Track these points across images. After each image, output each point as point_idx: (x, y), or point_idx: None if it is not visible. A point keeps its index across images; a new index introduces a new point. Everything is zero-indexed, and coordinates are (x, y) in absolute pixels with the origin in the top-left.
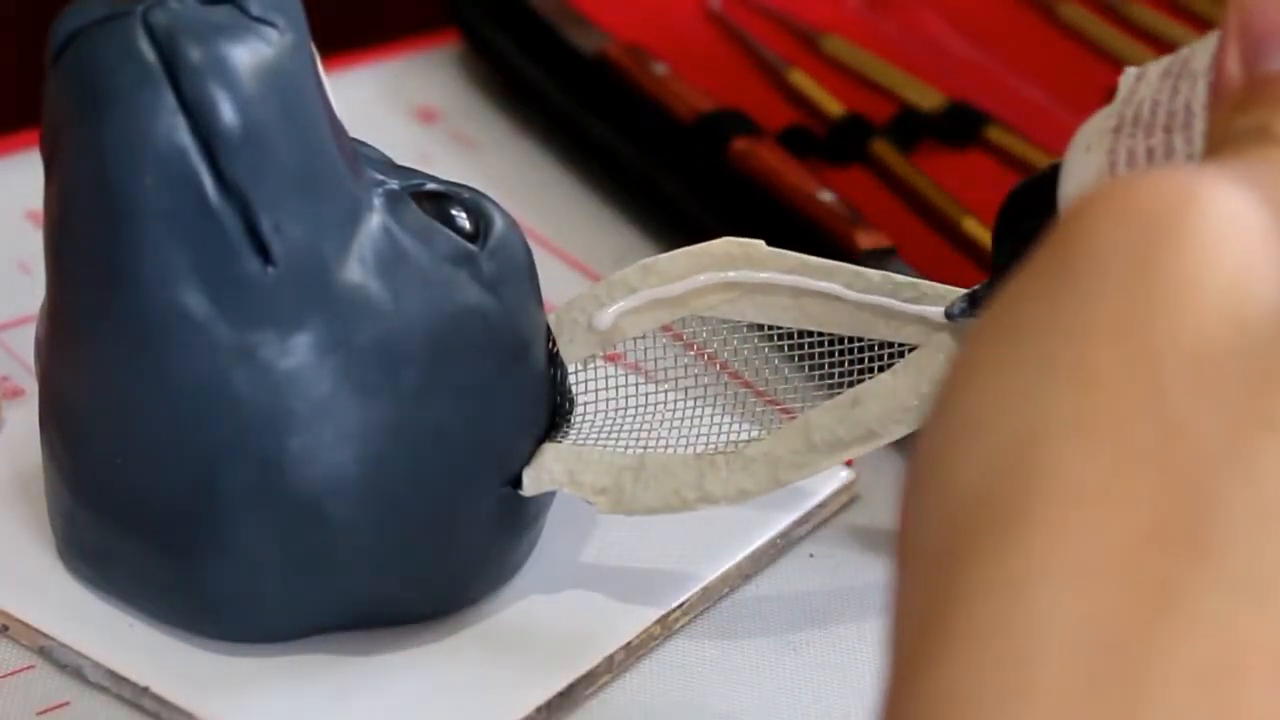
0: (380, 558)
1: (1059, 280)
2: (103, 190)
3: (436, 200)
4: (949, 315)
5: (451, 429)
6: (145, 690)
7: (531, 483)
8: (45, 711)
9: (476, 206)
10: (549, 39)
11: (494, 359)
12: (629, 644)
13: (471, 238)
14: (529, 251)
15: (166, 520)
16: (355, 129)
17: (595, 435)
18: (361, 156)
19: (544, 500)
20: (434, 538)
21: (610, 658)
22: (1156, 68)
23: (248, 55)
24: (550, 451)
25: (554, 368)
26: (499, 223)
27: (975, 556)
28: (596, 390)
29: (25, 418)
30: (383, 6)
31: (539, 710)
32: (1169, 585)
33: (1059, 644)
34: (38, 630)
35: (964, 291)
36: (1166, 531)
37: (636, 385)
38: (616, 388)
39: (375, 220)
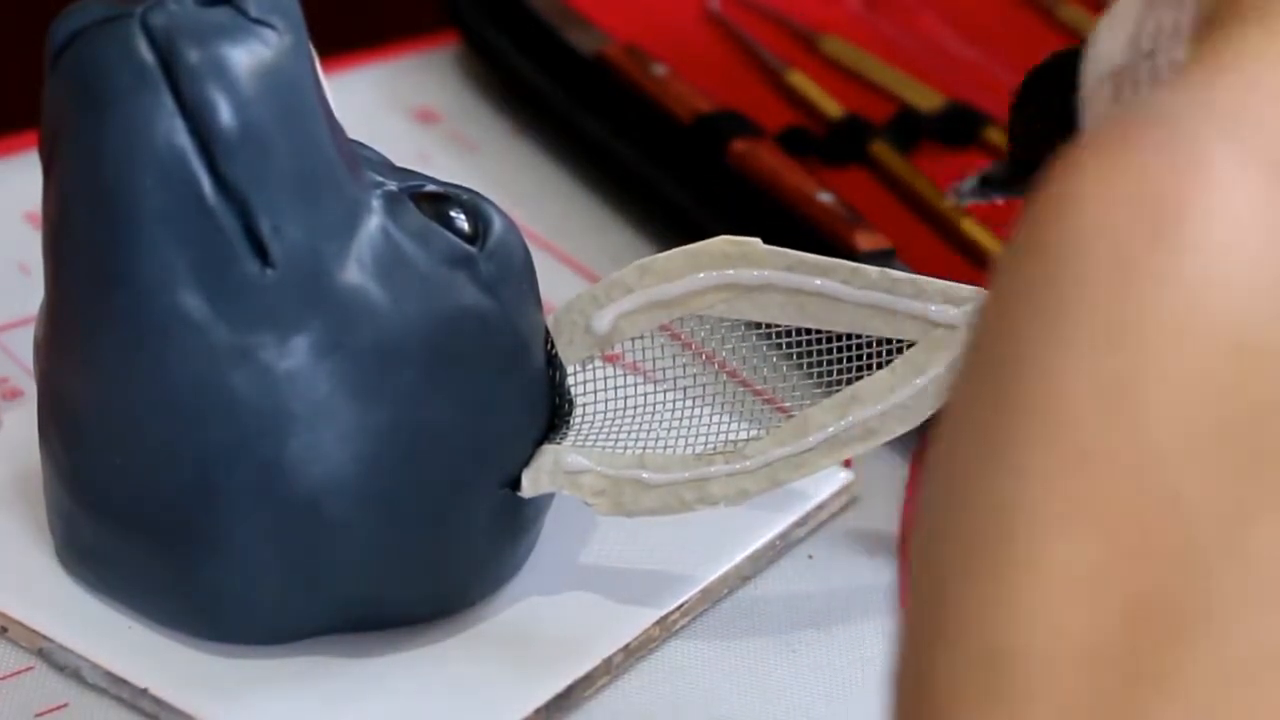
0: (379, 559)
1: (1044, 269)
2: (101, 191)
3: (435, 201)
4: (958, 193)
5: (450, 430)
6: (144, 692)
7: (530, 484)
8: (44, 713)
9: (475, 208)
10: (548, 40)
11: (493, 360)
12: (628, 646)
13: (470, 239)
14: (528, 253)
15: (165, 522)
16: (354, 130)
17: (594, 436)
18: (360, 158)
19: (543, 502)
20: (433, 539)
21: (609, 659)
22: None
23: (246, 57)
24: (549, 453)
25: (553, 369)
26: (498, 224)
27: (971, 586)
28: (595, 391)
29: (24, 419)
30: (382, 7)
31: (538, 712)
32: (1156, 667)
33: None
34: (36, 632)
35: (979, 174)
36: (1155, 610)
37: (635, 386)
38: (615, 388)
39: (374, 222)
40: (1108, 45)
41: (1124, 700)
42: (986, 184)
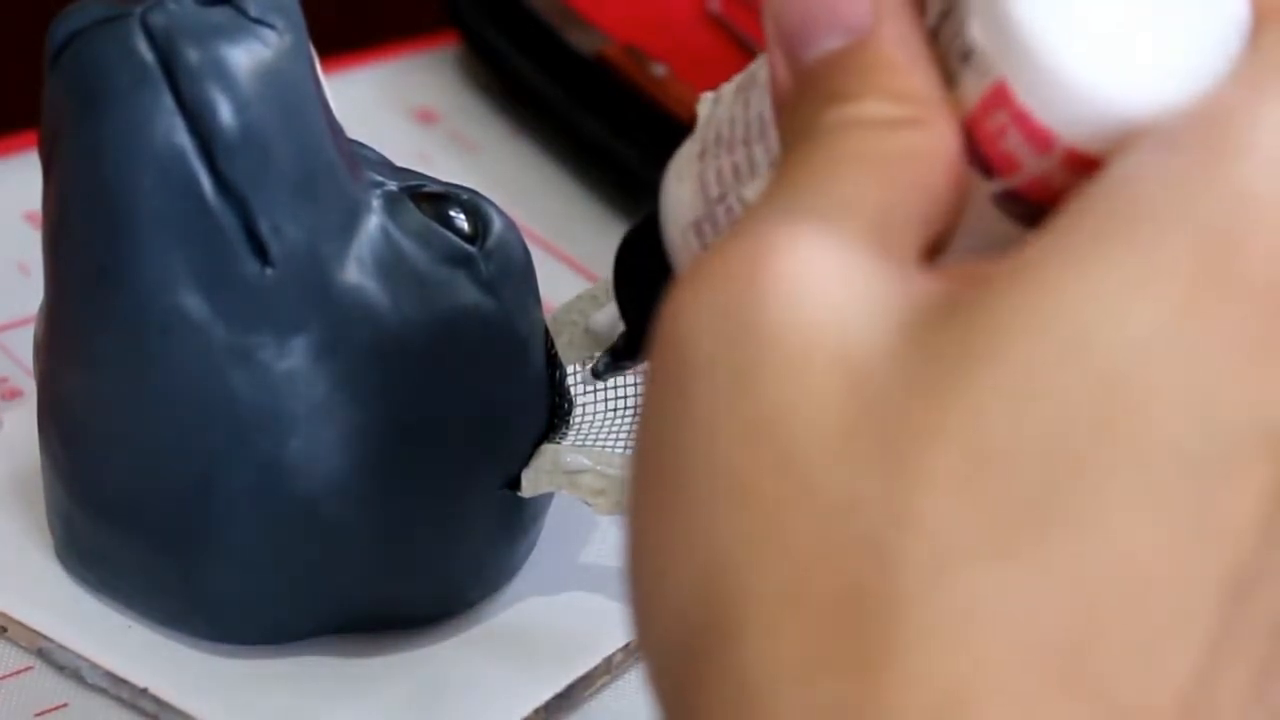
0: (378, 559)
1: (676, 398)
2: (101, 191)
3: (435, 201)
4: (595, 374)
5: (450, 430)
6: (144, 691)
7: (530, 484)
8: (44, 713)
9: (475, 207)
10: (548, 40)
11: (492, 360)
12: (628, 645)
13: (470, 239)
14: (527, 252)
15: (165, 522)
16: (354, 130)
17: (594, 436)
18: (360, 158)
19: (543, 501)
20: (432, 539)
21: (609, 659)
22: (730, 86)
23: (246, 57)
24: (549, 452)
25: (553, 368)
26: (497, 224)
27: (702, 685)
28: (595, 391)
29: (24, 419)
30: (382, 7)
31: (538, 711)
32: (874, 656)
33: None
34: (36, 632)
35: (605, 350)
36: (856, 608)
37: (635, 385)
38: (615, 388)
39: (373, 221)
40: (676, 202)
41: (860, 688)
42: (617, 358)
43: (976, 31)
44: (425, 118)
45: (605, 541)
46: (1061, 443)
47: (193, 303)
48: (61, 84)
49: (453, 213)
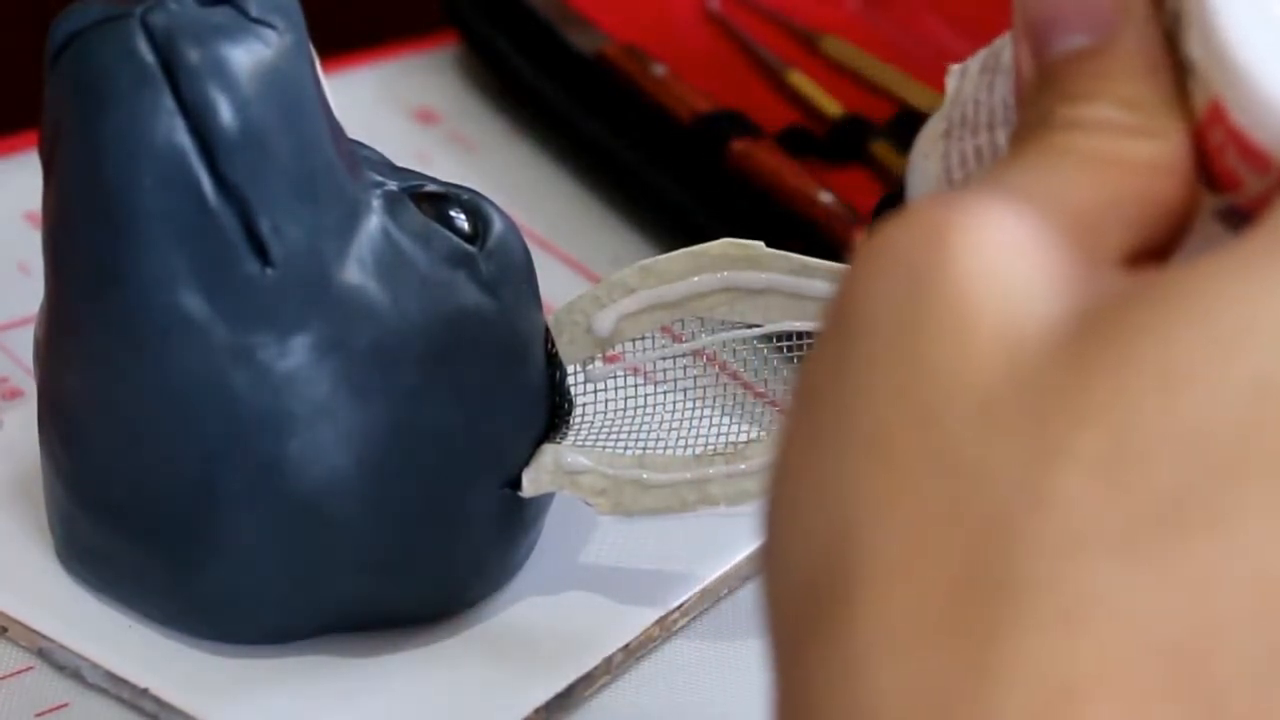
0: (379, 559)
1: (839, 346)
2: (101, 191)
3: (435, 201)
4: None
5: (450, 430)
6: (144, 692)
7: (530, 484)
8: (44, 713)
9: (475, 207)
10: (548, 40)
11: (493, 360)
12: (628, 645)
13: (470, 239)
14: (528, 252)
15: (165, 521)
16: (354, 130)
17: (595, 436)
18: (360, 158)
19: (543, 501)
20: (433, 539)
21: (609, 659)
22: (975, 64)
23: (246, 57)
24: (549, 452)
25: (553, 368)
26: (497, 224)
27: (814, 641)
28: (596, 391)
29: (24, 419)
30: (382, 7)
31: (538, 711)
32: (986, 634)
33: (894, 717)
34: (37, 632)
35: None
36: (975, 583)
37: (636, 386)
38: (616, 389)
39: (374, 221)
40: (923, 178)
41: (964, 678)
42: None
43: (1194, 46)
44: (425, 118)
45: (605, 541)
46: (1209, 440)
47: (193, 303)
48: (61, 84)
49: (453, 213)
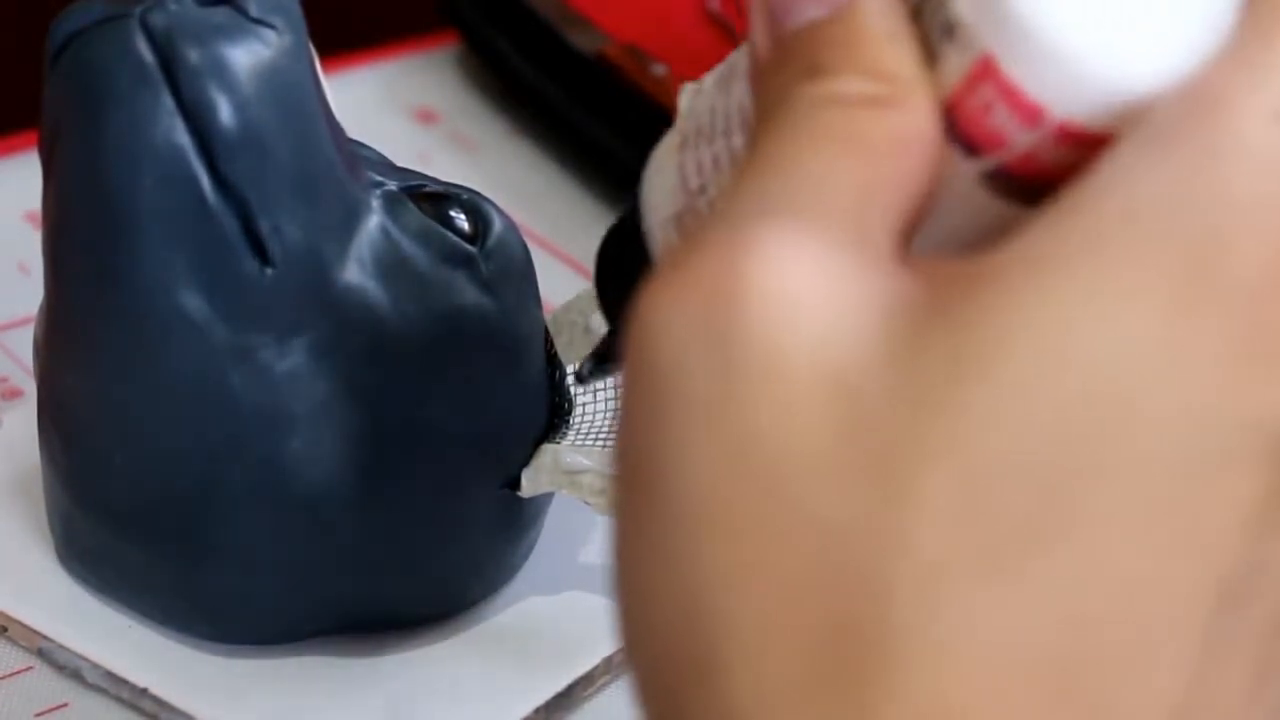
0: (378, 559)
1: (653, 419)
2: (101, 191)
3: (435, 201)
4: (579, 378)
5: (450, 430)
6: (144, 691)
7: (530, 484)
8: (44, 713)
9: (475, 208)
10: (548, 40)
11: (492, 360)
12: None
13: (470, 239)
14: (527, 252)
15: (165, 521)
16: (354, 130)
17: (594, 436)
18: (360, 158)
19: (543, 501)
20: (432, 539)
21: (609, 659)
22: (711, 78)
23: (246, 57)
24: (549, 452)
25: (553, 368)
26: (497, 224)
27: (688, 704)
28: (595, 391)
29: (24, 418)
30: (382, 7)
31: (538, 711)
32: (861, 682)
33: None
34: (36, 631)
35: (589, 353)
36: (843, 635)
37: None
38: (616, 388)
39: (374, 221)
40: (657, 196)
41: (846, 714)
42: (600, 360)
43: (961, 5)
44: (425, 118)
45: (605, 542)
46: (1051, 458)
47: (193, 303)
48: (61, 84)
49: (453, 213)
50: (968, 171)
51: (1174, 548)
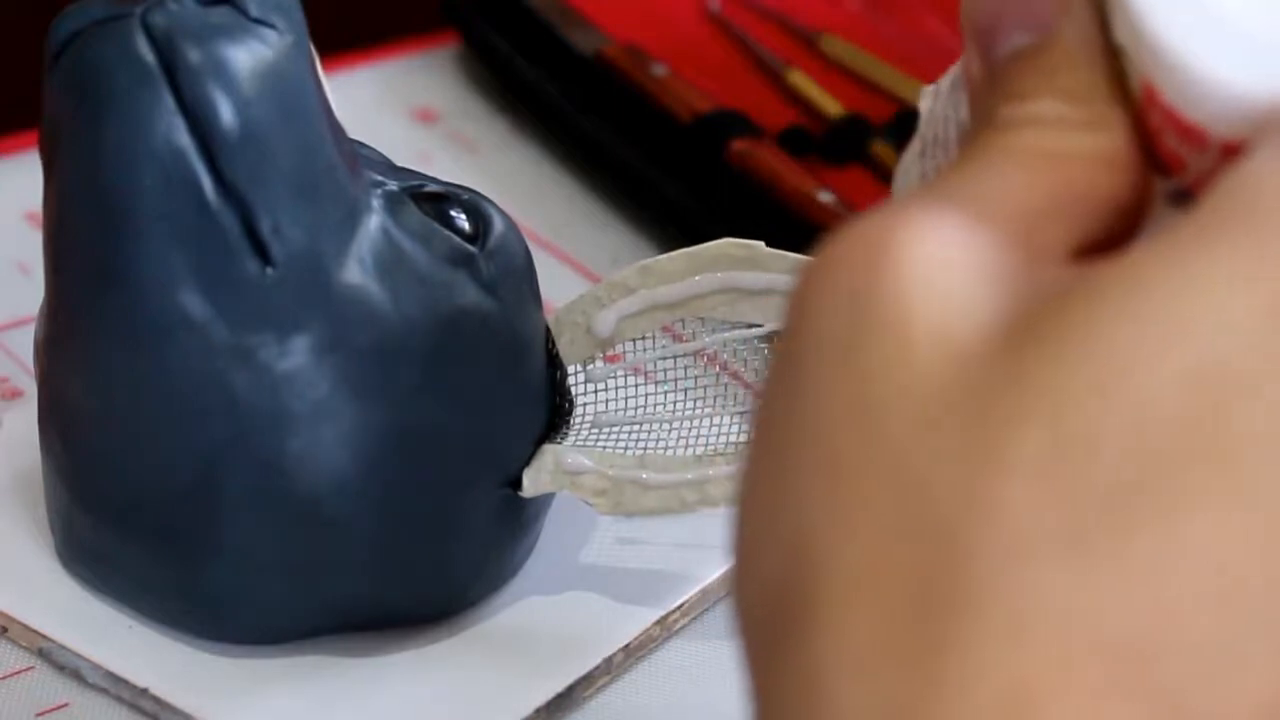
0: (379, 559)
1: (790, 367)
2: (101, 191)
3: (435, 201)
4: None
5: (450, 430)
6: (144, 691)
7: (531, 484)
8: (44, 713)
9: (475, 207)
10: (548, 40)
11: (493, 360)
12: (628, 645)
13: (470, 239)
14: (528, 252)
15: (165, 521)
16: (354, 130)
17: (595, 436)
18: (361, 157)
19: (543, 501)
20: (433, 539)
21: (609, 659)
22: (946, 81)
23: (247, 57)
24: (550, 452)
25: (553, 369)
26: (498, 224)
27: (779, 655)
28: (596, 391)
29: (25, 418)
30: (382, 7)
31: (538, 711)
32: (938, 647)
33: None
34: (37, 632)
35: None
36: (926, 596)
37: (636, 386)
38: (616, 389)
39: (374, 221)
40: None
41: (920, 690)
42: None
43: (1121, 32)
44: (425, 118)
45: (605, 541)
46: (1150, 436)
47: (193, 303)
48: (62, 84)
49: (453, 212)
50: (1163, 191)
51: (1270, 540)
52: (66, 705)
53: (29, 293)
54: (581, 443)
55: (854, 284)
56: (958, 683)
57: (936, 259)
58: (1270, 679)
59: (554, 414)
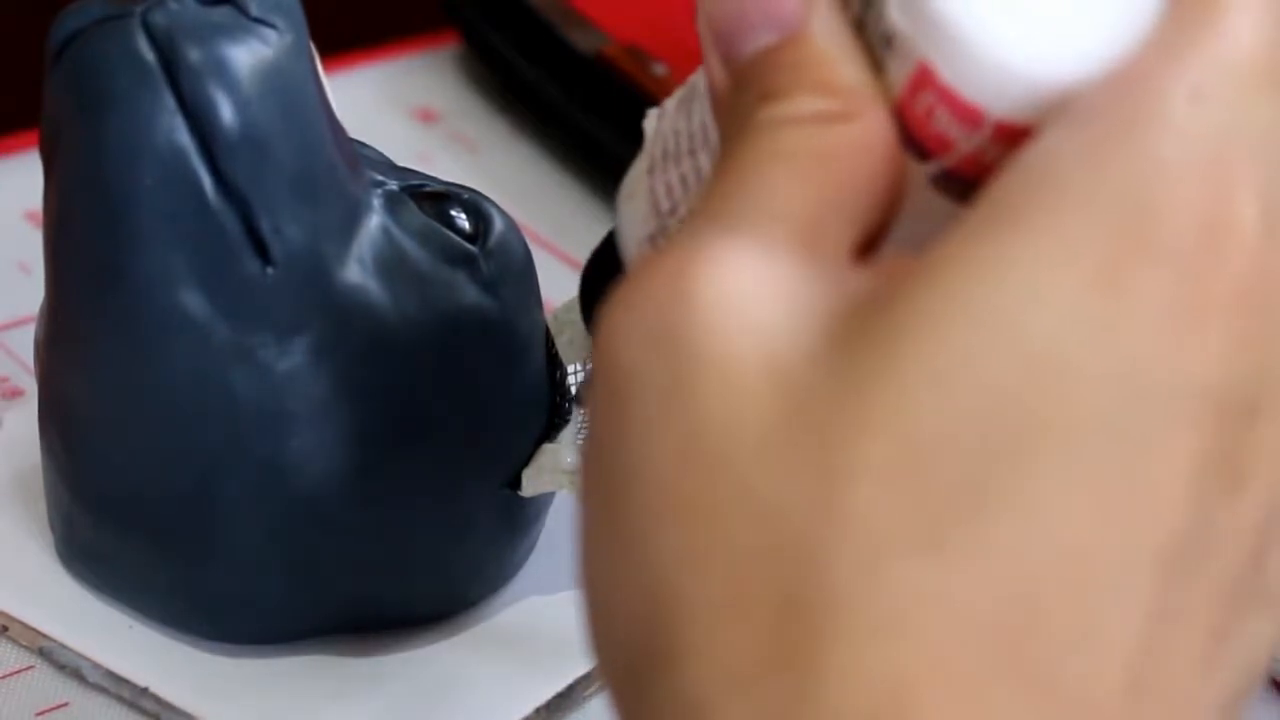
0: (379, 559)
1: (614, 419)
2: (101, 191)
3: (436, 201)
4: (577, 398)
5: (450, 430)
6: (145, 691)
7: (530, 483)
8: (45, 712)
9: (476, 207)
10: (548, 39)
11: (493, 359)
12: None
13: (471, 238)
14: (528, 252)
15: (166, 521)
16: (355, 129)
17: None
18: (361, 157)
19: (543, 501)
20: (433, 539)
21: None
22: (672, 101)
23: (247, 56)
24: (549, 452)
25: (553, 368)
26: (498, 223)
27: (651, 690)
28: None
29: (25, 418)
30: (382, 7)
31: (539, 710)
32: (812, 657)
33: None
34: (37, 631)
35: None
36: (794, 611)
37: None
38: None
39: (374, 221)
40: (630, 219)
41: (800, 690)
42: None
43: (895, 15)
44: (425, 118)
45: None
46: (989, 427)
47: (193, 302)
48: (62, 84)
49: (454, 212)
50: (921, 175)
51: (1117, 514)
52: (66, 705)
53: (29, 292)
54: (581, 442)
55: (663, 325)
56: (838, 683)
57: (738, 282)
58: (1129, 636)
59: (553, 414)
